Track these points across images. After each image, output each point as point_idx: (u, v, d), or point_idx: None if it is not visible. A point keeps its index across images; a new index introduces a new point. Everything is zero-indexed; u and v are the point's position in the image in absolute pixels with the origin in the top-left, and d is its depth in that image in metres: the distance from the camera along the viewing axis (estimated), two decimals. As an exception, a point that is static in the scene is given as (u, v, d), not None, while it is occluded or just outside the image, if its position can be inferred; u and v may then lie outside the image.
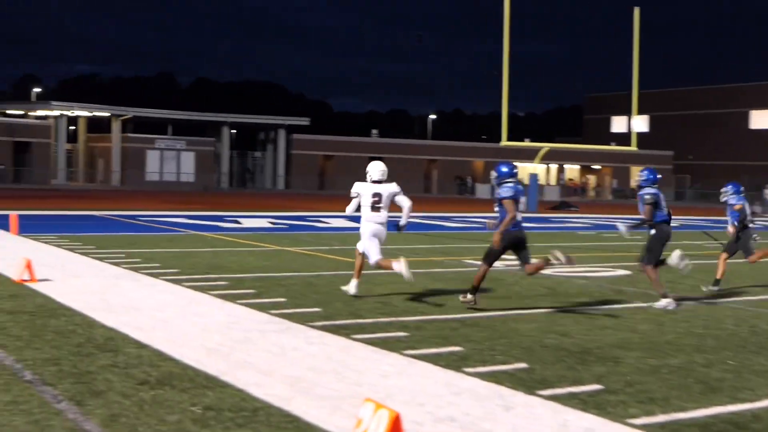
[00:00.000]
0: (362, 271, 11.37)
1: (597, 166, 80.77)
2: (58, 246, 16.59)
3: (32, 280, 11.53)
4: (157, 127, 77.43)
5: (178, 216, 28.54)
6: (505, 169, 10.01)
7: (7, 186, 57.57)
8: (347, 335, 8.53)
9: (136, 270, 13.17)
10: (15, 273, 11.81)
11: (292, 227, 24.45)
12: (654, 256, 10.68)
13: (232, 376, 6.77)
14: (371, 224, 10.60)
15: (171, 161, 66.35)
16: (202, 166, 69.53)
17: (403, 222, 10.72)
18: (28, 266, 11.63)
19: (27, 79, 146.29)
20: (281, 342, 8.15)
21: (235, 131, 75.93)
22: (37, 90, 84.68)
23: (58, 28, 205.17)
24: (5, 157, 63.11)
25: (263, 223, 26.00)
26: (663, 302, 10.63)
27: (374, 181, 10.73)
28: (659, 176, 11.06)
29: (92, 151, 71.80)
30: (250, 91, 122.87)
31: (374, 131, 77.05)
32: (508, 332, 8.93)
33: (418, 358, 7.57)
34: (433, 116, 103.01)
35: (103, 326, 8.65)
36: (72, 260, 14.37)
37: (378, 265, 10.46)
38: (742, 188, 12.94)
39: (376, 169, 10.75)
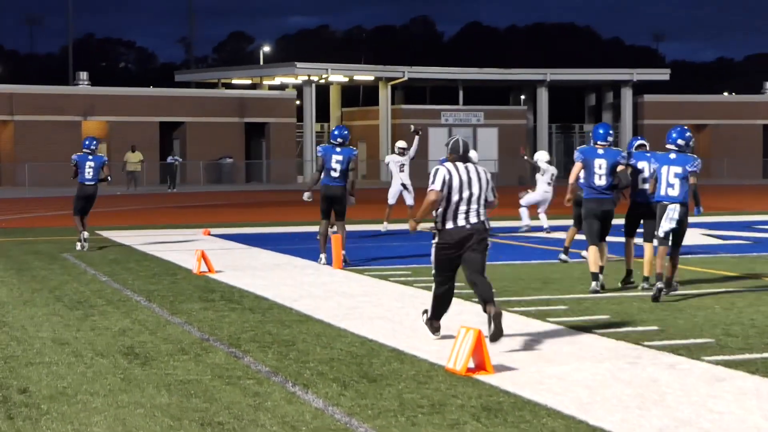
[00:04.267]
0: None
1: None
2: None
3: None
4: (441, 92, 76.25)
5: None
6: None
7: (241, 188, 57.91)
8: None
9: (640, 341, 10.43)
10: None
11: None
12: None
13: None
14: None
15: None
16: (508, 149, 67.24)
17: None
18: (481, 354, 8.91)
19: (235, 38, 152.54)
20: None
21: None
22: (265, 50, 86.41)
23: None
24: (235, 145, 63.70)
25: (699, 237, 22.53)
26: None
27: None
28: None
29: (351, 133, 71.57)
30: (542, 38, 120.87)
31: (767, 85, 71.88)
32: None
33: None
34: None
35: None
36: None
37: None
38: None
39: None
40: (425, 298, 13.54)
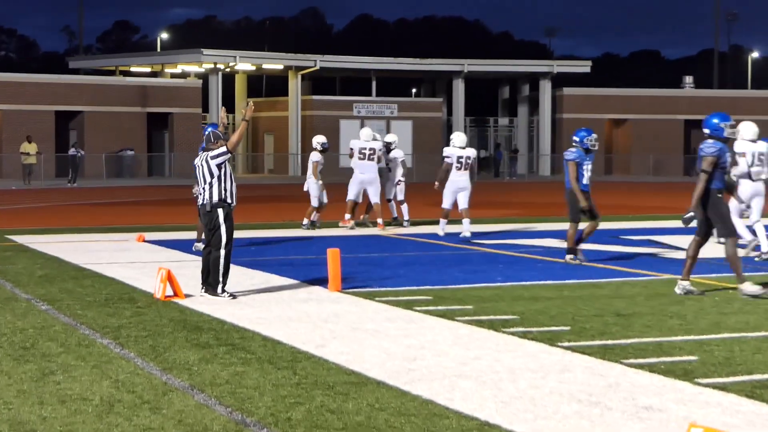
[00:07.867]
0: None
1: None
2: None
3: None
4: (351, 84, 73.08)
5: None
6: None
7: (144, 182, 53.85)
8: None
9: None
10: None
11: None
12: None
13: None
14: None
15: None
16: (423, 143, 64.09)
17: None
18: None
19: (120, 27, 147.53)
20: None
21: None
22: (164, 36, 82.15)
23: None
24: (136, 137, 59.51)
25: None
26: None
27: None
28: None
29: (255, 125, 67.81)
30: (432, 32, 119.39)
31: (687, 79, 70.01)
32: None
33: None
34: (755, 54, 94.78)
35: None
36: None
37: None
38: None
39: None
40: (495, 341, 10.20)
